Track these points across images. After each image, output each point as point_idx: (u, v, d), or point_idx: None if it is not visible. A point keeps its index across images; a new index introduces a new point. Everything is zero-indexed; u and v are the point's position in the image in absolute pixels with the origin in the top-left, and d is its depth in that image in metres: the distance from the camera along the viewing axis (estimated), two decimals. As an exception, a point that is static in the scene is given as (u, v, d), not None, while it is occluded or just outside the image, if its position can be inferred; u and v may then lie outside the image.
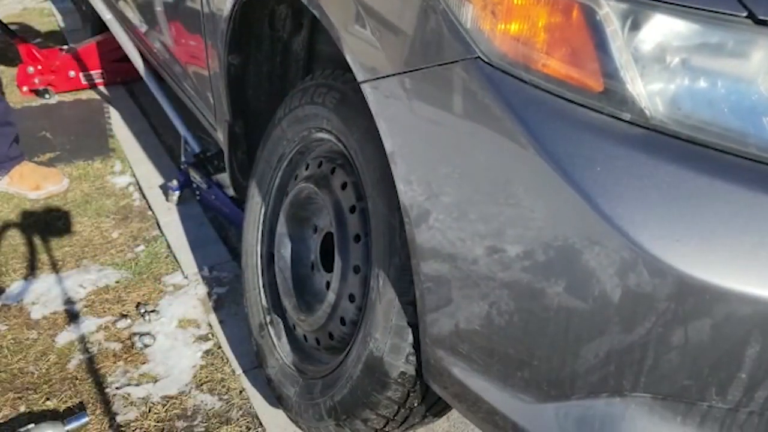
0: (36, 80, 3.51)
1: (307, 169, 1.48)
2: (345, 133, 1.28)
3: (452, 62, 0.87)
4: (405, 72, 0.94)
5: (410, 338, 1.14)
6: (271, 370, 1.56)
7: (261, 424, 1.62)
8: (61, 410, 1.65)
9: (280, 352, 1.55)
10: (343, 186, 1.34)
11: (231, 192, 2.16)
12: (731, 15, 0.74)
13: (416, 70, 0.92)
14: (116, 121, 3.26)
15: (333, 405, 1.32)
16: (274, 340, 1.58)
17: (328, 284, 1.41)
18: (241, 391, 1.71)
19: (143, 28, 2.66)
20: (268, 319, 1.61)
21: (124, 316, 1.96)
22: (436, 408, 1.28)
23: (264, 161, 1.62)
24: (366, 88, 1.03)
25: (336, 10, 1.10)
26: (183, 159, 2.50)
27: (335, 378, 1.33)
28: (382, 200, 1.16)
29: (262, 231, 1.66)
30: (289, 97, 1.49)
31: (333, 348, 1.42)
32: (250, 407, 1.67)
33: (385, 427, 1.28)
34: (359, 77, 1.04)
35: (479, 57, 0.85)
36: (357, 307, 1.31)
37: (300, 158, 1.55)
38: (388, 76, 0.97)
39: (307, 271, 1.53)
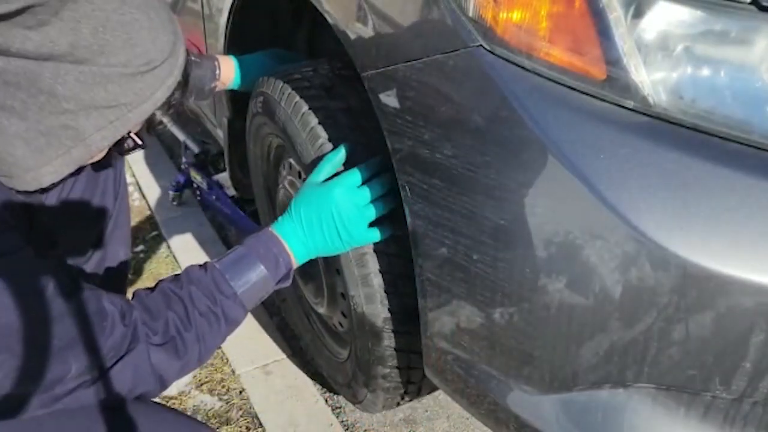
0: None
1: (279, 176, 1.54)
2: (281, 128, 1.33)
3: (454, 51, 0.87)
4: (407, 62, 0.93)
5: (376, 282, 1.18)
6: (324, 370, 1.63)
7: (261, 424, 1.61)
8: (60, 409, 1.64)
9: (327, 349, 1.60)
10: (299, 175, 1.42)
11: (231, 192, 2.15)
12: (735, 2, 0.74)
13: (418, 59, 0.92)
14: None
15: (357, 374, 1.38)
16: (319, 339, 1.64)
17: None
18: (241, 391, 1.71)
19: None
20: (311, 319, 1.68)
21: (124, 315, 1.96)
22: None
23: (257, 186, 1.69)
24: (367, 80, 1.02)
25: (337, 1, 1.10)
26: (183, 159, 2.49)
27: (352, 350, 1.39)
28: (310, 157, 1.23)
29: None
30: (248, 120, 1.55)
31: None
32: (250, 407, 1.66)
33: (410, 379, 1.31)
34: (361, 70, 1.04)
35: (481, 45, 0.85)
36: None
37: (273, 178, 1.61)
38: (389, 66, 0.96)
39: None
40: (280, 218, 1.15)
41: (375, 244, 1.16)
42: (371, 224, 1.15)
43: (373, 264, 1.18)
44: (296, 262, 1.14)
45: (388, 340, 1.24)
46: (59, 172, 0.86)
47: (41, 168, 0.84)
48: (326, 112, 1.22)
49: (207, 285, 1.02)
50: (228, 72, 1.51)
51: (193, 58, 1.45)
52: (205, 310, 1.00)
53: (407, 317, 1.19)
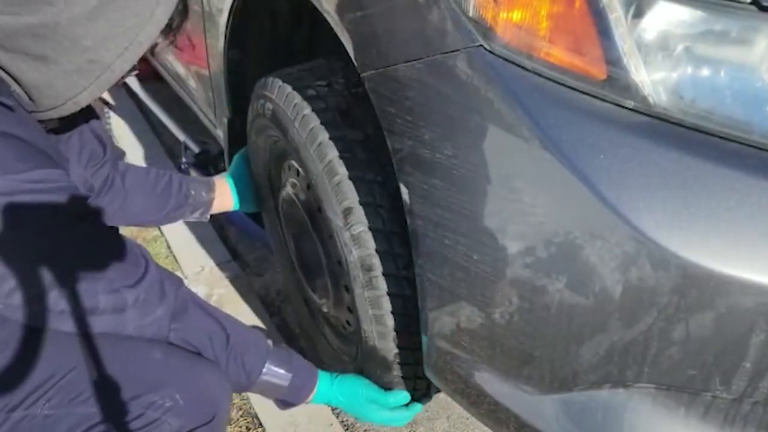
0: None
1: (280, 179, 1.54)
2: (284, 134, 1.32)
3: (455, 51, 0.87)
4: (407, 62, 0.93)
5: (390, 323, 1.19)
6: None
7: (261, 424, 1.61)
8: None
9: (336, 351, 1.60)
10: (308, 186, 1.39)
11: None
12: (735, 2, 0.74)
13: (418, 59, 0.92)
14: (116, 121, 3.26)
15: None
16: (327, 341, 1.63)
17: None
18: (240, 391, 1.70)
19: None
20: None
21: (124, 315, 1.95)
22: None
23: (259, 178, 1.68)
24: (368, 80, 1.02)
25: (337, 1, 1.10)
26: (183, 159, 2.49)
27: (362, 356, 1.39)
28: (325, 191, 1.21)
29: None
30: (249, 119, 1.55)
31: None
32: (250, 407, 1.66)
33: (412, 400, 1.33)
34: (360, 69, 1.04)
35: (482, 45, 0.85)
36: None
37: (276, 172, 1.60)
38: (389, 66, 0.96)
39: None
40: (333, 373, 1.33)
41: (389, 288, 1.17)
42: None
43: (387, 305, 1.18)
44: (310, 401, 1.30)
45: (399, 371, 1.25)
46: (94, 94, 1.06)
47: (79, 95, 1.04)
48: (326, 113, 1.22)
49: (253, 352, 1.22)
50: (224, 193, 1.67)
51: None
52: (233, 366, 1.19)
53: (417, 349, 1.19)
